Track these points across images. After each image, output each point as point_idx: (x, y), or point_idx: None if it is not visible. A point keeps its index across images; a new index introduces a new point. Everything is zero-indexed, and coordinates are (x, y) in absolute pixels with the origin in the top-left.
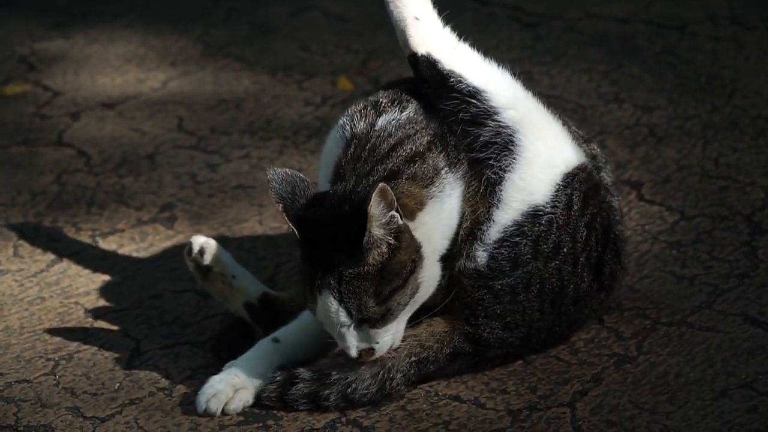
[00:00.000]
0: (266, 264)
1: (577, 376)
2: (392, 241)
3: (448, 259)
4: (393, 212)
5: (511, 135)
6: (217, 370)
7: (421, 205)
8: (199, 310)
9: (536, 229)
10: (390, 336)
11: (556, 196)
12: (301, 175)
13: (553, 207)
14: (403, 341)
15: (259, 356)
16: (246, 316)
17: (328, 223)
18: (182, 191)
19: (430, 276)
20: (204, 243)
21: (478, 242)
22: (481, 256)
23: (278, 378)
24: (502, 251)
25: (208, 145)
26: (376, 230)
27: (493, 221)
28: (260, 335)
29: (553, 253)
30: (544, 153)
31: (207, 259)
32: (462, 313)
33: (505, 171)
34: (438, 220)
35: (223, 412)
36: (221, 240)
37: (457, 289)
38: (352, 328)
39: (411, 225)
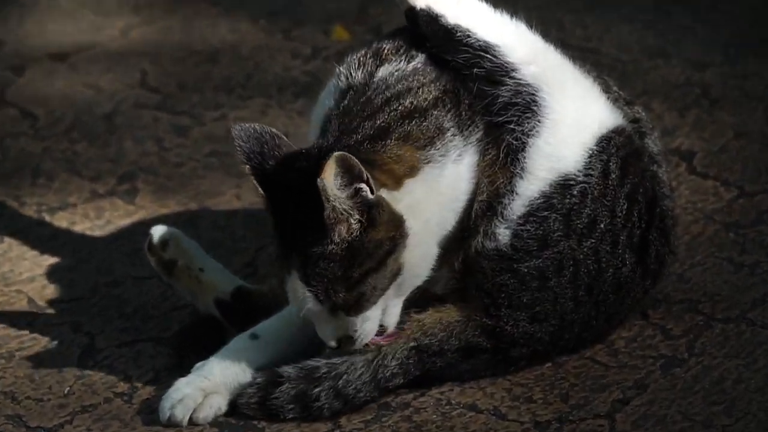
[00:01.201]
0: (245, 246)
1: (616, 382)
2: (360, 218)
3: (459, 238)
4: (360, 185)
5: (533, 94)
6: (185, 372)
7: (412, 171)
8: (165, 300)
9: (567, 201)
10: (371, 323)
11: (590, 162)
12: (273, 130)
13: (586, 175)
14: (402, 326)
15: (235, 355)
16: (217, 313)
17: (295, 188)
18: (145, 159)
19: (418, 256)
20: (166, 234)
21: (499, 218)
22: (503, 233)
23: (258, 380)
24: (528, 228)
25: (177, 105)
26: (338, 204)
27: (516, 193)
28: (234, 335)
29: (588, 229)
30: (573, 113)
31: (170, 252)
32: (480, 301)
33: (528, 136)
34: (435, 190)
35: (192, 422)
36: (191, 218)
37: (474, 273)
38: (326, 315)
39: (395, 195)
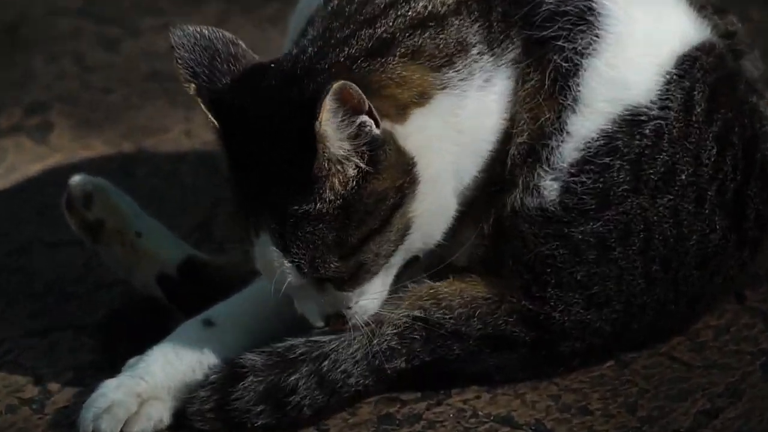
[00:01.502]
0: (197, 202)
1: (702, 387)
2: (362, 164)
3: (489, 193)
4: (363, 117)
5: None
6: (115, 371)
7: (423, 98)
8: (89, 273)
9: (637, 143)
10: (371, 299)
11: (667, 90)
12: (228, 35)
13: (661, 108)
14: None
15: (182, 347)
16: (159, 293)
17: (265, 116)
18: (61, 83)
19: (431, 209)
20: (89, 185)
21: (544, 166)
22: (550, 187)
23: (213, 377)
24: (584, 180)
25: (104, 10)
26: (336, 151)
27: (568, 133)
28: (181, 322)
29: (664, 182)
30: (644, 25)
31: (96, 210)
32: (518, 278)
33: (582, 55)
34: (453, 126)
35: None
36: (125, 163)
37: (509, 239)
38: (311, 290)
39: (398, 130)
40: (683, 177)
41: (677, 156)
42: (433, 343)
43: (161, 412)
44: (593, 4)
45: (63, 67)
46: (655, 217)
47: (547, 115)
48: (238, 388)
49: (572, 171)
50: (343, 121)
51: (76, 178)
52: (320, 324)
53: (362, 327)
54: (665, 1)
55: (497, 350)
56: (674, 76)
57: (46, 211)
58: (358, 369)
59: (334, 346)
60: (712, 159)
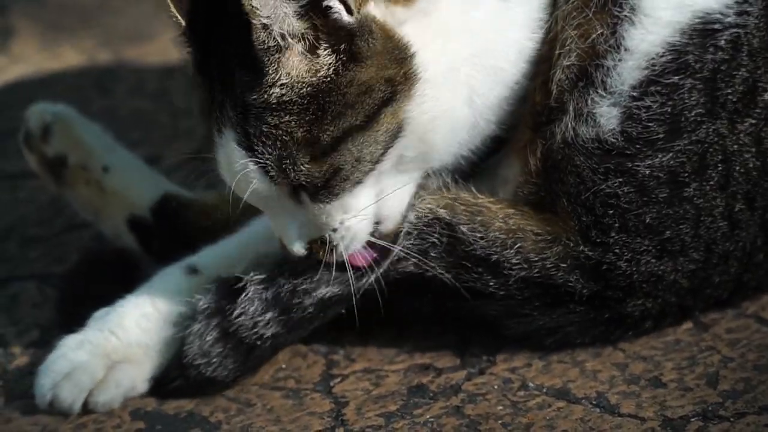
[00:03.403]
0: (190, 125)
1: None
2: (331, 46)
3: (532, 120)
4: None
5: None
6: (79, 327)
7: None
8: (56, 215)
9: (710, 58)
10: (361, 218)
11: None
12: None
13: (738, 14)
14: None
15: (161, 297)
16: (131, 240)
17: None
18: None
19: (433, 115)
20: (47, 115)
21: (599, 90)
22: (609, 114)
23: (204, 305)
24: (649, 103)
25: None
26: (278, 20)
27: (626, 49)
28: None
29: (743, 103)
30: None
31: (56, 143)
32: (575, 221)
33: None
34: (464, 25)
35: (86, 409)
36: (101, 78)
37: (563, 175)
38: (284, 202)
39: (397, 13)
40: (766, 97)
41: (759, 71)
42: (456, 258)
43: (133, 377)
44: None
45: None
46: (735, 146)
47: (600, 31)
48: (238, 302)
49: (634, 94)
50: None
51: (33, 108)
52: (299, 249)
53: (348, 267)
54: None
55: (546, 304)
56: None
57: (5, 138)
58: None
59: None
60: None
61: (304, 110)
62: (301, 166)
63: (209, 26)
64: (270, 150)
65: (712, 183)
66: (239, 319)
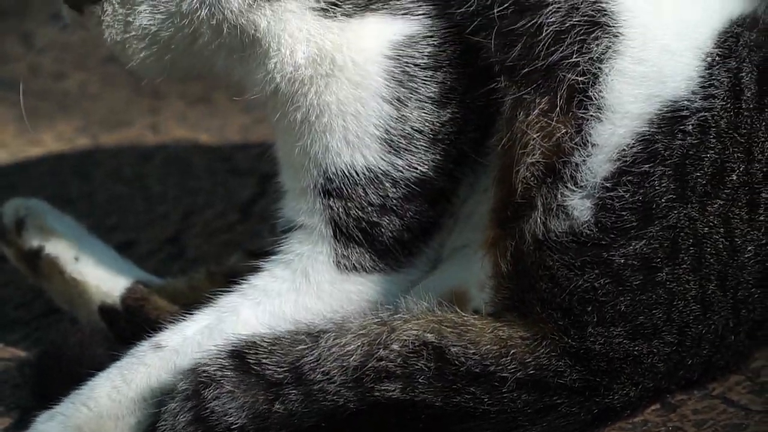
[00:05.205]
0: (166, 210)
1: None
2: None
3: (498, 219)
4: None
5: (594, 1)
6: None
7: None
8: (36, 296)
9: (679, 143)
10: None
11: (710, 76)
12: None
13: (705, 98)
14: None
15: (131, 372)
16: (104, 327)
17: None
18: (6, 67)
19: None
20: (21, 210)
21: (569, 185)
22: (581, 206)
23: (183, 386)
24: (622, 193)
25: None
26: None
27: (594, 145)
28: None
29: (713, 185)
30: (671, 4)
31: (30, 236)
32: (552, 324)
33: (601, 62)
34: None
35: None
36: (81, 163)
37: (535, 277)
38: None
39: None
40: (734, 177)
41: (727, 152)
42: (446, 382)
43: None
44: (603, 5)
45: (6, 48)
46: (705, 228)
47: (564, 131)
48: (209, 390)
49: (607, 185)
50: None
51: (7, 204)
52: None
53: None
54: None
55: (537, 411)
56: (716, 58)
57: None
58: (341, 376)
59: (325, 342)
60: (766, 153)
61: None
62: None
63: None
64: None
65: (684, 266)
66: (212, 405)
